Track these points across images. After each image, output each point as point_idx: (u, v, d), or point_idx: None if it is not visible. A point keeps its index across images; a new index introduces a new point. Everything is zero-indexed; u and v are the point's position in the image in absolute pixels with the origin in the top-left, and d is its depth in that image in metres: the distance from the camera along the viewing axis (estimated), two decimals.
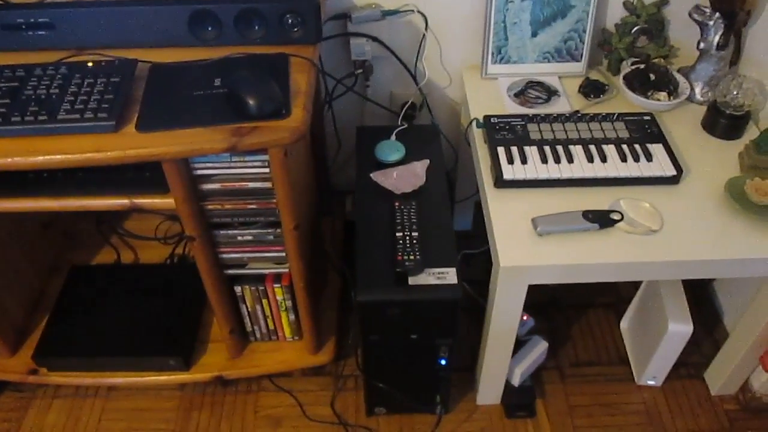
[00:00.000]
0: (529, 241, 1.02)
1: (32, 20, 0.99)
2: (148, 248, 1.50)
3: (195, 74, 0.97)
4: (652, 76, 1.26)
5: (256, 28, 1.01)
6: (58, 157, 0.85)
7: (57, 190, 0.97)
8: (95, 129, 0.88)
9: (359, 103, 1.48)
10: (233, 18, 1.00)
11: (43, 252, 1.44)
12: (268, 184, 1.01)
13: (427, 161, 1.22)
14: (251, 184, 1.01)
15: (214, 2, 0.99)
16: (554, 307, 1.51)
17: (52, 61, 0.98)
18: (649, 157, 1.12)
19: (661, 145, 1.14)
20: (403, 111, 1.45)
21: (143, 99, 0.94)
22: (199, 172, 0.99)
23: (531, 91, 1.30)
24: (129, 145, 0.86)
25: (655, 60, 1.32)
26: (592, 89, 1.29)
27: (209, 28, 1.01)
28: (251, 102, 0.90)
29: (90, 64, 0.97)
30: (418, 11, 1.32)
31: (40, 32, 1.00)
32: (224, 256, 1.12)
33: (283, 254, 1.12)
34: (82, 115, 0.88)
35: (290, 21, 1.00)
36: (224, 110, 0.91)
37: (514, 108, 1.27)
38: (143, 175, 0.98)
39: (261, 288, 1.20)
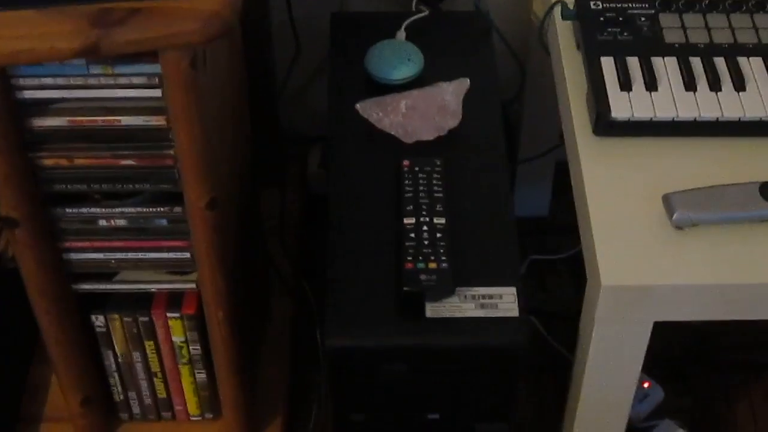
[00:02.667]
0: (657, 238, 1.02)
1: None
2: None
3: None
4: None
5: None
6: None
7: None
8: None
9: None
10: None
11: None
12: (159, 121, 1.02)
13: (467, 82, 1.23)
14: (127, 120, 1.02)
15: None
16: (701, 365, 1.52)
17: None
18: None
19: None
20: None
21: None
22: (27, 94, 0.99)
23: None
24: None
25: None
26: None
27: None
28: None
29: None
30: None
31: None
32: (73, 256, 1.13)
33: (188, 255, 1.13)
34: None
35: None
36: None
37: None
38: None
39: (143, 319, 1.21)
